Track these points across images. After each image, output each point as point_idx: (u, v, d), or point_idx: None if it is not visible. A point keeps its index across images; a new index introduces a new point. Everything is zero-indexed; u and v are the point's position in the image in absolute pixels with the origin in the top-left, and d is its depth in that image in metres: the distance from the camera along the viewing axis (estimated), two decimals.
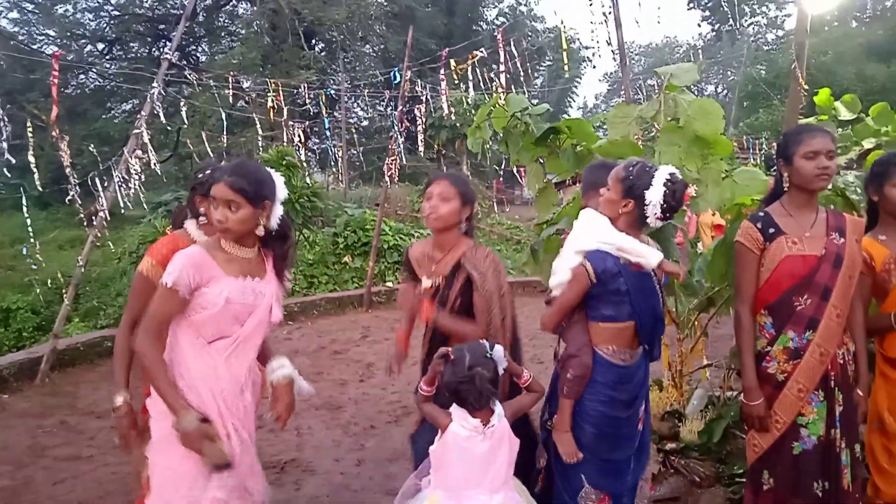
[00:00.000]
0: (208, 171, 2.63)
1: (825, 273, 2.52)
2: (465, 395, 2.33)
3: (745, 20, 32.22)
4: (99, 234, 6.66)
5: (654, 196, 2.44)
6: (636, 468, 2.65)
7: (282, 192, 2.39)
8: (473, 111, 12.39)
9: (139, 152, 7.21)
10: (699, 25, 34.40)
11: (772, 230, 2.58)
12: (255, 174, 2.32)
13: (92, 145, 11.89)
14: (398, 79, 9.85)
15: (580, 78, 36.43)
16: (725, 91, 39.30)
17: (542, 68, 31.13)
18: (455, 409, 2.39)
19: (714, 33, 34.58)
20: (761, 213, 2.66)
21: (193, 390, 2.24)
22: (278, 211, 2.39)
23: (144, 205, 9.71)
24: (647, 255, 2.48)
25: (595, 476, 2.54)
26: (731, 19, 27.97)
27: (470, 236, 2.89)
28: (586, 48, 29.09)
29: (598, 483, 2.54)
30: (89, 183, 7.92)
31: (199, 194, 2.63)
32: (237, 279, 2.31)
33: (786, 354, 2.56)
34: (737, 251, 2.68)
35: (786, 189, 2.64)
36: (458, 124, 18.26)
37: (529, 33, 28.66)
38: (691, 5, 32.96)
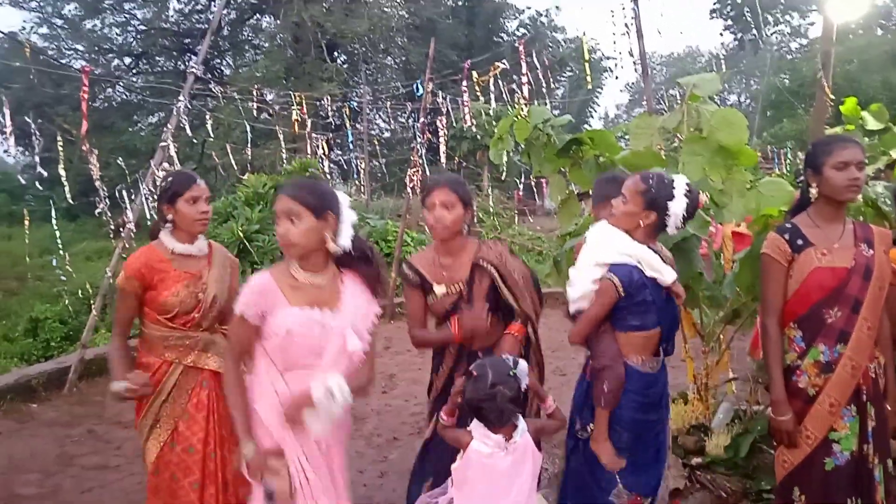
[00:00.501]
0: (170, 179, 2.82)
1: (855, 285, 2.49)
2: (487, 414, 2.31)
3: (769, 29, 31.99)
4: (126, 246, 6.76)
5: (678, 207, 2.52)
6: (658, 463, 2.70)
7: (348, 211, 2.31)
8: (494, 123, 12.43)
9: (166, 165, 7.31)
10: (721, 35, 34.25)
11: (800, 242, 2.55)
12: (315, 186, 2.31)
13: (119, 158, 12.06)
14: (420, 91, 9.91)
15: (601, 88, 36.37)
16: (749, 101, 38.97)
17: (563, 79, 31.12)
18: (476, 426, 2.37)
19: (737, 42, 34.37)
20: (788, 225, 2.62)
21: (264, 417, 2.22)
22: (348, 229, 2.29)
23: None
24: (663, 271, 2.56)
25: (629, 477, 2.60)
26: (754, 28, 27.81)
27: (471, 233, 2.90)
28: (607, 58, 29.08)
29: (631, 484, 2.60)
30: (116, 195, 8.04)
31: (165, 203, 2.76)
32: (302, 309, 2.22)
33: (817, 368, 2.51)
34: (763, 263, 2.63)
35: (813, 200, 2.60)
36: (479, 136, 18.29)
37: (550, 44, 28.73)
38: (714, 15, 32.82)
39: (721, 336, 4.32)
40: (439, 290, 2.80)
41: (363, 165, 18.81)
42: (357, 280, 2.36)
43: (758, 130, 25.09)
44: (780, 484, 2.64)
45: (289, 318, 2.20)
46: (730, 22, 33.03)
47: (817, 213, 2.60)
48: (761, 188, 3.97)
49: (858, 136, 4.24)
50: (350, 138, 15.83)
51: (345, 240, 2.28)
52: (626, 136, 4.96)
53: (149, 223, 8.23)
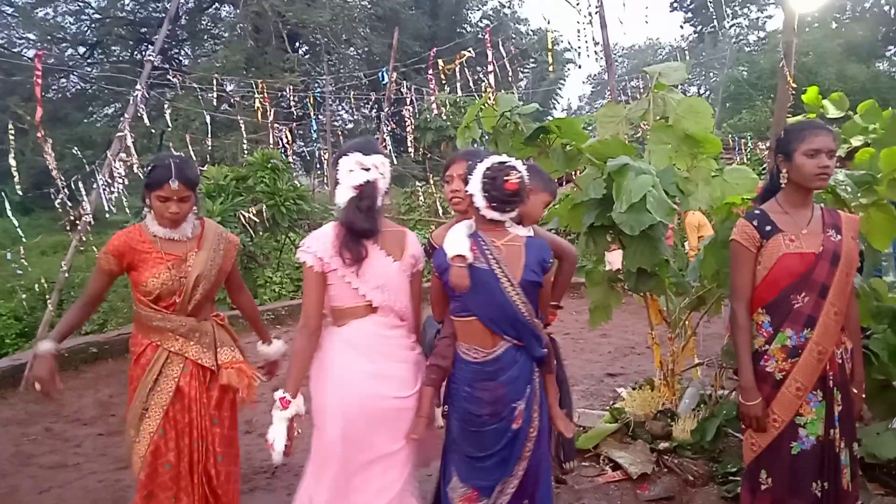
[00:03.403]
0: (150, 167, 2.72)
1: (823, 271, 2.50)
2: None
3: (727, 22, 32.46)
4: (84, 238, 6.58)
5: (473, 187, 2.48)
6: (501, 467, 2.50)
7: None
8: (460, 113, 12.37)
9: (123, 155, 7.13)
10: (682, 27, 34.67)
11: (768, 228, 2.56)
12: None
13: (75, 149, 11.73)
14: (385, 80, 9.83)
15: (564, 80, 36.58)
16: (708, 92, 39.59)
17: (526, 70, 31.16)
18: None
19: (696, 35, 34.82)
20: (757, 211, 2.64)
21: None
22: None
23: (128, 209, 9.62)
24: (447, 246, 2.47)
25: (463, 469, 2.56)
26: (713, 21, 28.19)
27: None
28: (570, 49, 29.22)
29: (465, 476, 2.55)
30: (72, 187, 7.82)
31: (144, 189, 2.72)
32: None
33: (784, 353, 2.53)
34: (732, 249, 2.65)
35: (783, 186, 2.62)
36: (444, 126, 18.24)
37: (513, 35, 28.75)
38: (674, 7, 33.19)
39: (687, 322, 4.37)
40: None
41: (327, 156, 18.63)
42: None
43: (718, 121, 25.48)
44: (747, 467, 2.67)
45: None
46: (690, 15, 33.43)
47: (786, 199, 2.61)
48: (726, 176, 4.01)
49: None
50: (314, 129, 15.64)
51: None
52: (592, 126, 4.97)
53: (106, 215, 8.08)
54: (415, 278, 2.65)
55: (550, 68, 9.63)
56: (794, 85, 4.68)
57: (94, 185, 7.19)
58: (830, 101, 4.28)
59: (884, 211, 3.33)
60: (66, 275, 6.58)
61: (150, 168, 2.71)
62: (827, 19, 24.50)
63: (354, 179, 2.50)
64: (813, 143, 2.48)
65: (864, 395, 2.71)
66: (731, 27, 34.36)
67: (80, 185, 7.70)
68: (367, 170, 2.51)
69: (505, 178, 2.44)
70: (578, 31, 7.00)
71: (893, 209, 3.39)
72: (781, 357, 2.54)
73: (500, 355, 2.48)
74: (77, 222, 6.92)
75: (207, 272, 2.78)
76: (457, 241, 2.47)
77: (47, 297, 6.77)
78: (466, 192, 2.54)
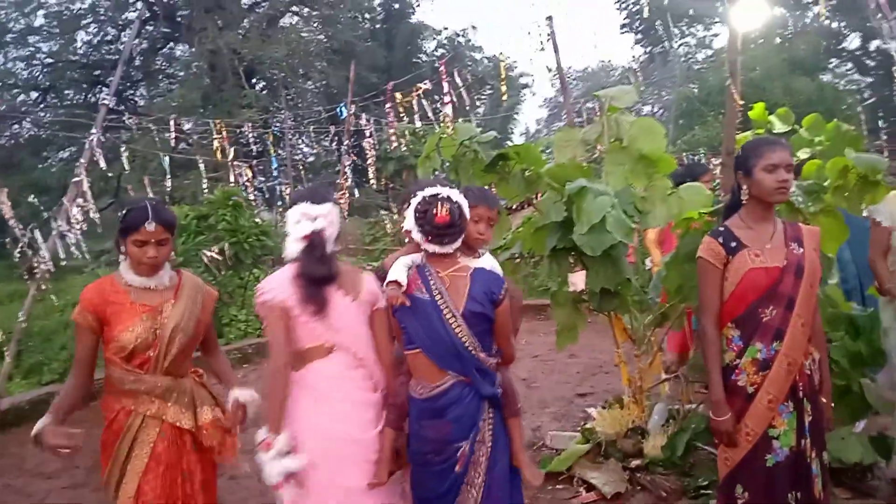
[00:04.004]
0: (124, 211, 2.57)
1: (788, 284, 2.55)
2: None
3: (676, 41, 33.29)
4: (44, 287, 6.44)
5: (408, 223, 2.51)
6: None
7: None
8: (420, 142, 12.44)
9: (80, 201, 7.03)
10: (632, 48, 35.47)
11: (733, 244, 2.61)
12: None
13: (30, 196, 11.49)
14: (343, 114, 9.87)
15: (521, 105, 37.04)
16: (662, 110, 40.43)
17: (483, 97, 31.51)
18: None
19: (647, 55, 35.61)
20: (721, 228, 2.69)
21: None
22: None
23: (86, 254, 9.43)
24: (393, 275, 2.50)
25: None
26: (662, 42, 28.92)
27: None
28: (525, 75, 29.62)
29: None
30: (28, 235, 7.66)
31: (118, 234, 2.57)
32: None
33: (755, 366, 2.56)
34: (699, 267, 2.69)
35: (744, 202, 2.67)
36: (404, 155, 18.31)
37: (469, 63, 29.08)
38: (624, 29, 33.96)
39: (651, 339, 4.42)
40: None
41: (288, 191, 18.53)
42: None
43: (672, 139, 26.01)
44: (722, 482, 2.68)
45: None
46: (640, 36, 34.22)
47: (748, 214, 2.66)
48: (682, 193, 4.10)
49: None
50: (274, 164, 15.58)
51: None
52: (550, 150, 5.05)
53: (63, 262, 7.92)
54: (377, 317, 2.64)
55: (504, 97, 9.77)
56: (742, 101, 4.81)
57: (52, 232, 7.06)
58: (777, 116, 4.41)
59: (832, 217, 3.45)
60: (25, 324, 6.42)
61: (124, 212, 2.55)
62: (771, 35, 25.24)
63: (301, 230, 2.55)
64: (771, 158, 2.54)
65: (832, 404, 2.76)
66: (679, 46, 35.22)
67: (37, 232, 7.55)
68: (315, 219, 2.55)
69: (434, 211, 2.43)
70: (531, 58, 7.13)
71: (842, 215, 3.51)
72: (752, 370, 2.57)
73: (446, 390, 2.43)
74: (35, 270, 6.77)
75: (185, 324, 2.59)
76: (395, 269, 2.51)
77: (4, 349, 6.58)
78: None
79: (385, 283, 2.52)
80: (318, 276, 2.52)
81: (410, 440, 2.53)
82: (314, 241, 2.55)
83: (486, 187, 4.31)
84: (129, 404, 2.53)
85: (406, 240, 2.76)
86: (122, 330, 2.50)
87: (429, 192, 2.48)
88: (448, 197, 2.47)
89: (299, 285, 2.52)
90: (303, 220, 2.56)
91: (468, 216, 2.56)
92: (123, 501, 2.50)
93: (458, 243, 2.51)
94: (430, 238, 2.47)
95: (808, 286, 2.57)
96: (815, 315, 2.65)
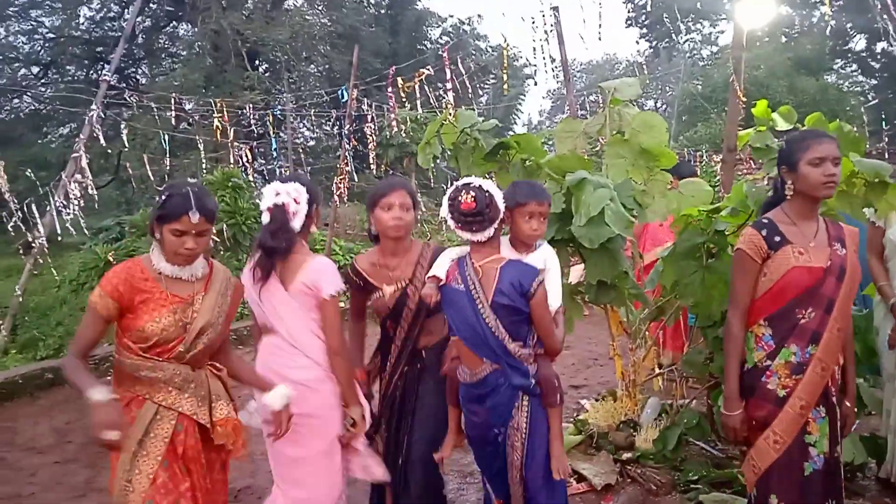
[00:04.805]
0: (164, 196, 2.33)
1: (830, 286, 2.44)
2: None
3: (681, 37, 33.21)
4: (40, 261, 6.45)
5: (444, 211, 2.61)
6: (503, 482, 2.62)
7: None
8: (421, 129, 12.42)
9: (78, 177, 7.01)
10: (637, 43, 35.38)
11: (777, 238, 2.48)
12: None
13: (28, 171, 11.46)
14: (345, 97, 9.83)
15: (524, 95, 36.91)
16: (665, 106, 40.36)
17: (487, 86, 31.39)
18: None
19: (652, 50, 35.51)
20: (765, 220, 2.55)
21: None
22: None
23: (85, 231, 9.43)
24: (434, 270, 2.68)
25: (488, 481, 2.76)
26: (667, 36, 28.82)
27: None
28: (529, 65, 29.49)
29: (493, 488, 2.73)
30: (25, 210, 7.65)
31: (154, 220, 2.36)
32: None
33: (788, 369, 2.45)
34: (737, 258, 2.56)
35: (788, 197, 2.55)
36: (405, 142, 18.27)
37: (473, 52, 28.97)
38: (629, 23, 33.82)
39: (647, 333, 4.43)
40: (388, 289, 2.94)
41: (288, 174, 18.51)
42: None
43: (674, 134, 25.97)
44: (756, 490, 2.56)
45: None
46: (645, 30, 34.10)
47: (793, 210, 2.54)
48: (682, 188, 4.10)
49: (769, 137, 4.43)
50: (274, 147, 15.55)
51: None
52: (551, 141, 5.04)
53: (59, 238, 7.90)
54: (324, 306, 2.75)
55: (505, 86, 9.75)
56: (745, 98, 4.81)
57: (49, 208, 7.05)
58: (779, 114, 4.39)
59: (833, 220, 3.42)
60: (21, 299, 6.42)
61: (164, 197, 2.33)
62: (777, 34, 25.20)
63: (265, 203, 2.79)
64: (818, 151, 2.43)
65: (855, 409, 2.68)
66: (685, 42, 35.15)
67: (34, 207, 7.55)
68: (277, 195, 2.77)
69: (461, 198, 2.50)
70: (534, 49, 7.09)
71: (843, 218, 3.49)
72: (785, 374, 2.46)
73: (485, 378, 2.53)
74: (31, 245, 6.77)
75: (214, 320, 2.42)
76: (439, 262, 2.66)
77: (0, 321, 6.58)
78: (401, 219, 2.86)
79: (426, 277, 2.69)
80: (267, 247, 2.73)
81: (466, 418, 2.71)
82: (274, 215, 2.75)
83: (488, 175, 4.31)
84: (143, 392, 2.32)
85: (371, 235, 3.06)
86: (147, 320, 2.29)
87: (464, 181, 2.57)
88: (477, 185, 2.52)
89: (254, 256, 2.78)
90: (269, 195, 2.78)
91: (501, 207, 2.56)
92: (134, 500, 2.23)
93: (489, 231, 2.54)
94: (459, 225, 2.55)
95: (847, 290, 2.46)
96: (849, 320, 2.55)
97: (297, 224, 2.78)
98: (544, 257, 2.69)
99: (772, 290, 2.48)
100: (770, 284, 2.48)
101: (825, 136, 2.50)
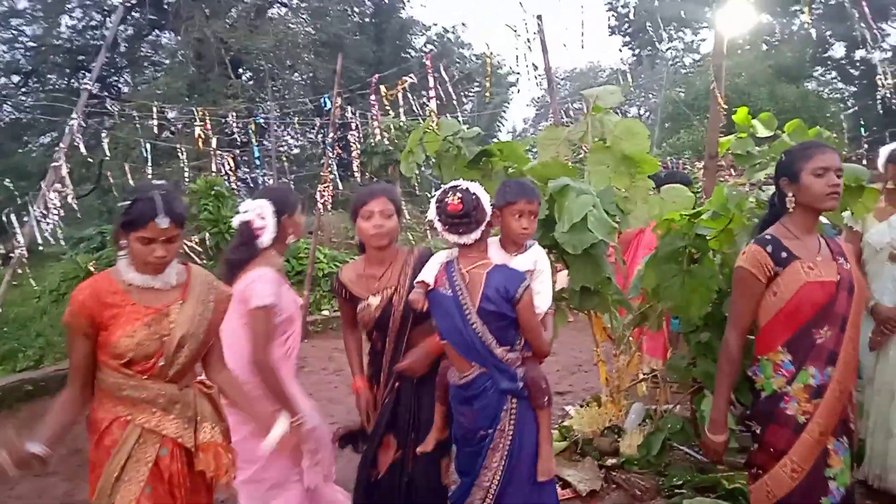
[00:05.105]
0: (129, 202, 2.19)
1: (842, 302, 2.32)
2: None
3: (664, 45, 33.48)
4: (20, 272, 6.37)
5: (431, 213, 2.60)
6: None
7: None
8: (406, 137, 12.42)
9: (58, 186, 6.94)
10: (620, 51, 35.65)
11: (784, 254, 2.34)
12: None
13: (8, 180, 11.36)
14: (329, 105, 9.82)
15: (508, 103, 37.04)
16: (648, 113, 40.66)
17: (471, 94, 31.49)
18: None
19: (635, 58, 35.78)
20: (767, 236, 2.40)
21: None
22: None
23: (62, 241, 9.34)
24: (422, 275, 2.65)
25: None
26: (650, 44, 29.06)
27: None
28: (513, 73, 29.61)
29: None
30: (4, 219, 7.57)
31: (119, 227, 2.22)
32: None
33: (807, 393, 2.30)
34: (738, 276, 2.42)
35: (789, 210, 2.42)
36: (389, 150, 18.27)
37: (458, 60, 29.06)
38: (612, 31, 34.08)
39: (630, 339, 4.44)
40: (374, 300, 2.88)
41: (272, 182, 18.43)
42: None
43: (657, 141, 26.15)
44: None
45: None
46: (628, 38, 34.36)
47: (794, 224, 2.41)
48: (663, 194, 4.12)
49: (750, 144, 4.47)
50: (257, 155, 15.49)
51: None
52: (535, 148, 5.05)
53: (40, 248, 7.82)
54: (249, 316, 2.73)
55: (488, 94, 9.78)
56: (727, 105, 4.85)
57: (28, 218, 6.97)
58: (759, 120, 4.45)
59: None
60: (0, 310, 6.34)
61: (129, 202, 2.17)
62: (758, 42, 25.45)
63: (235, 221, 2.94)
64: (821, 160, 2.32)
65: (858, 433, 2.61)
66: (667, 50, 35.44)
67: (14, 217, 7.46)
68: (245, 212, 2.88)
69: (448, 199, 2.50)
70: (517, 57, 7.14)
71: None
72: (804, 398, 2.30)
73: (473, 380, 2.53)
74: (10, 255, 6.69)
75: (195, 330, 2.24)
76: (428, 266, 2.64)
77: None
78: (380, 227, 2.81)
79: (415, 283, 2.66)
80: (225, 259, 2.90)
81: (453, 420, 2.71)
82: (239, 229, 2.90)
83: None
84: (125, 413, 2.17)
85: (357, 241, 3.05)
86: (120, 335, 2.14)
87: (450, 184, 2.57)
88: (464, 188, 2.52)
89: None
90: (239, 213, 2.92)
91: (488, 209, 2.56)
92: None
93: (476, 234, 2.53)
94: (446, 227, 2.54)
95: (857, 305, 2.36)
96: (858, 339, 2.42)
97: (266, 238, 2.86)
98: (535, 258, 2.68)
99: (784, 310, 2.34)
100: (782, 304, 2.34)
101: (828, 147, 2.40)
